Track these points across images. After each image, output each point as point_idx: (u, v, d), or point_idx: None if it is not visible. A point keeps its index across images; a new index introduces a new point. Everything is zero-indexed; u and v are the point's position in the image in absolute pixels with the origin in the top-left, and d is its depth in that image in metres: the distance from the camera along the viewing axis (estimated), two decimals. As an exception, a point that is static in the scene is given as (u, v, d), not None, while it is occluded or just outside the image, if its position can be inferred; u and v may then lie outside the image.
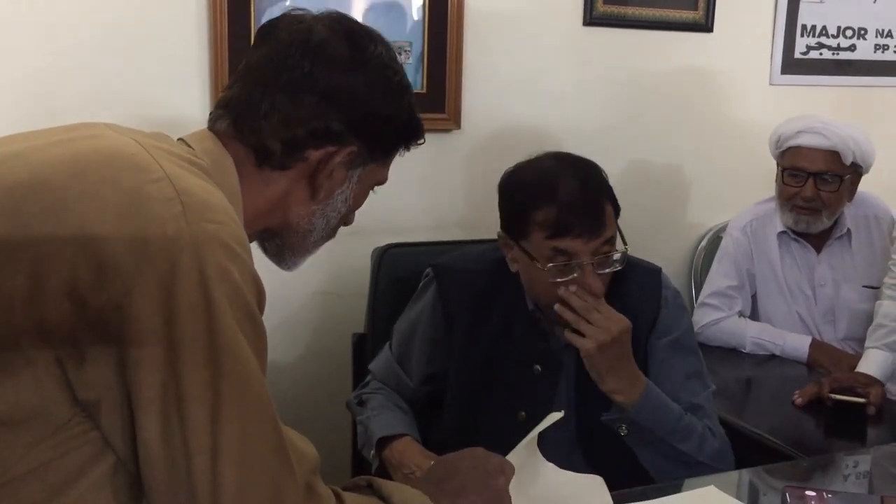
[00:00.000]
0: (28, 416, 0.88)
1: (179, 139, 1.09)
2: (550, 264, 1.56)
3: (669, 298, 1.70)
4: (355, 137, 1.12)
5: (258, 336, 0.94)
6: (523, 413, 1.63)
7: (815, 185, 2.31)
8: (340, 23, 1.14)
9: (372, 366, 1.85)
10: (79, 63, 2.07)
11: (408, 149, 1.21)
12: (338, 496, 1.03)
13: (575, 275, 1.55)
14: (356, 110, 1.11)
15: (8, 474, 0.89)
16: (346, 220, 1.21)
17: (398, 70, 1.16)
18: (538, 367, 1.67)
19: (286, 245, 1.17)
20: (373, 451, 1.66)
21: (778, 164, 2.41)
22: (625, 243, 1.62)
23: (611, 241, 1.58)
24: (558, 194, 1.56)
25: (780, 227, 2.43)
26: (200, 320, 0.88)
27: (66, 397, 0.89)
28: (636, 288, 1.68)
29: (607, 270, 1.59)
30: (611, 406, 1.59)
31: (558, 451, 1.49)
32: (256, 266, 0.98)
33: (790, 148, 2.34)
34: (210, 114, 1.14)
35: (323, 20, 1.13)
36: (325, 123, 1.09)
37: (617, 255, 1.59)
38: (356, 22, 1.17)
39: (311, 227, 1.16)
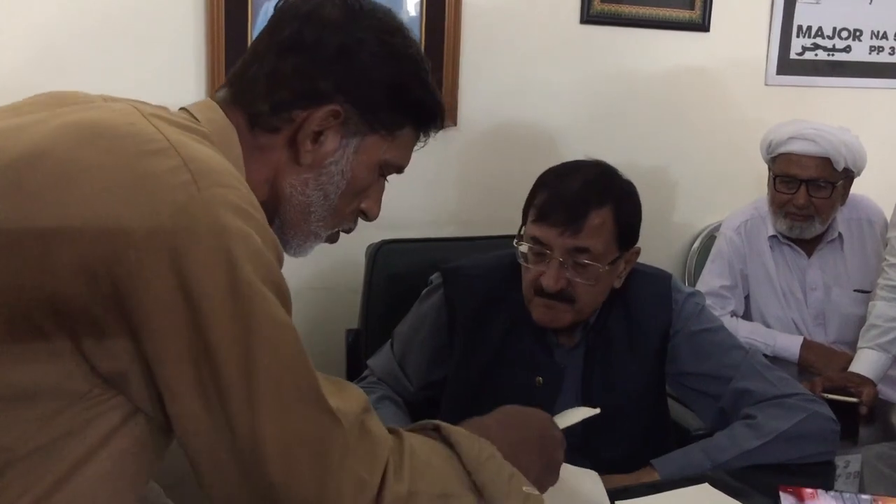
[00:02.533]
0: (47, 390, 0.88)
1: (182, 108, 1.08)
2: (523, 245, 1.59)
3: (681, 301, 1.68)
4: (345, 99, 1.08)
5: (283, 294, 0.93)
6: None
7: (808, 191, 2.30)
8: None
9: (371, 362, 1.84)
10: (74, 58, 2.06)
11: (424, 132, 1.16)
12: (397, 435, 1.01)
13: (545, 268, 1.57)
14: (343, 69, 1.07)
15: (29, 445, 0.89)
16: (368, 211, 1.17)
17: (403, 38, 1.12)
18: (540, 378, 1.66)
19: (286, 223, 1.12)
20: None
21: (770, 170, 2.41)
22: (612, 264, 1.59)
23: (587, 253, 1.56)
24: (560, 183, 1.59)
25: (771, 231, 2.43)
26: (222, 283, 0.86)
27: (84, 370, 0.88)
28: (644, 295, 1.67)
29: (580, 280, 1.57)
30: (615, 417, 1.60)
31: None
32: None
33: (781, 154, 2.33)
34: (216, 90, 1.14)
35: None
36: (311, 83, 1.07)
37: (592, 269, 1.56)
38: None
39: (306, 198, 1.10)
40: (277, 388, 0.89)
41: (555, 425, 1.24)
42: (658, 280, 1.71)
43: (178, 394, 0.88)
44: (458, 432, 1.07)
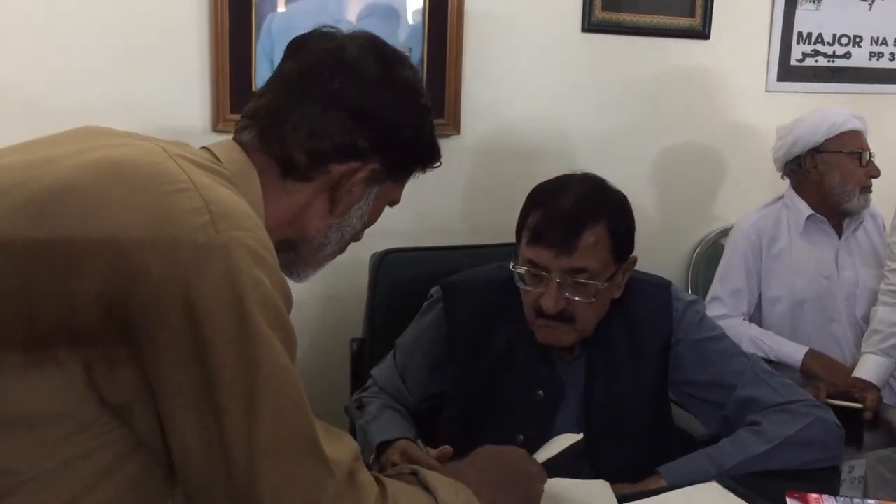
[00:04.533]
0: (56, 415, 0.90)
1: (204, 147, 1.10)
2: (520, 268, 1.58)
3: (681, 310, 1.68)
4: (378, 155, 1.13)
5: (290, 341, 0.96)
6: (521, 437, 1.60)
7: None
8: (372, 43, 1.17)
9: (374, 371, 1.84)
10: (80, 70, 2.08)
11: (424, 171, 1.23)
12: (381, 484, 1.04)
13: (543, 290, 1.56)
14: (382, 129, 1.13)
15: (35, 470, 0.90)
16: (357, 236, 1.23)
17: (423, 93, 1.19)
18: (541, 392, 1.65)
19: (300, 257, 1.18)
20: (372, 456, 1.66)
21: (819, 152, 2.42)
22: (610, 280, 1.59)
23: (584, 272, 1.55)
24: (551, 203, 1.57)
25: (807, 213, 2.45)
26: (232, 325, 0.89)
27: (93, 398, 0.90)
28: (644, 304, 1.67)
29: (579, 299, 1.56)
30: (620, 425, 1.62)
31: (568, 468, 1.50)
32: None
33: (849, 131, 2.40)
34: (237, 123, 1.16)
35: (355, 39, 1.16)
36: (352, 139, 1.11)
37: (590, 287, 1.56)
38: (386, 44, 1.20)
39: (326, 240, 1.17)
40: (276, 433, 0.92)
41: (532, 461, 1.27)
42: (658, 289, 1.71)
43: (179, 431, 0.91)
44: (435, 477, 1.11)
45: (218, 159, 1.07)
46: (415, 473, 1.12)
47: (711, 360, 1.66)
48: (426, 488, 1.09)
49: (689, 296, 1.76)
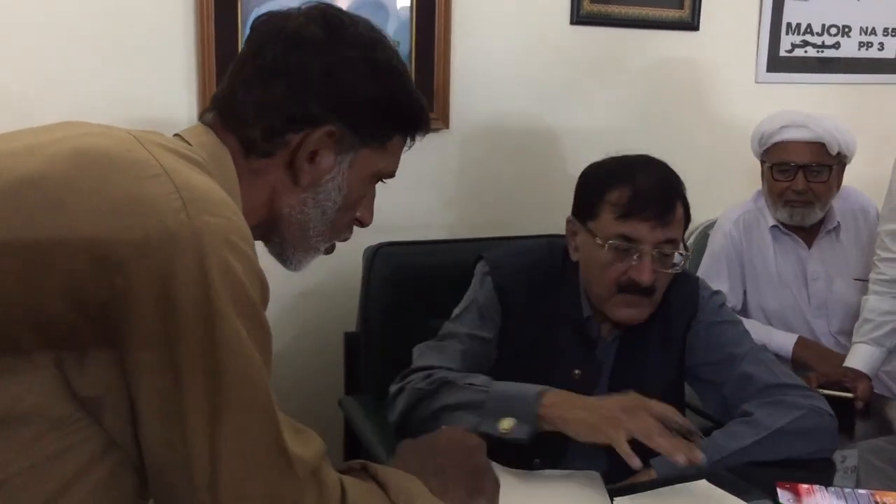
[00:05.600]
0: (27, 414, 0.88)
1: (175, 135, 1.09)
2: (610, 241, 1.59)
3: (706, 297, 1.74)
4: (337, 119, 1.09)
5: (261, 332, 0.94)
6: None
7: (805, 177, 2.33)
8: (321, 11, 1.13)
9: (425, 362, 1.66)
10: (66, 66, 2.07)
11: (411, 137, 1.18)
12: (341, 484, 1.03)
13: (633, 263, 1.58)
14: (333, 91, 1.09)
15: (8, 471, 0.89)
16: (362, 220, 1.19)
17: (386, 51, 1.14)
18: (578, 371, 1.67)
19: (286, 240, 1.15)
20: (514, 423, 1.47)
21: (763, 162, 2.42)
22: (686, 250, 1.64)
23: (674, 243, 1.61)
24: (636, 179, 1.62)
25: (771, 222, 2.44)
26: (201, 317, 0.87)
27: (66, 395, 0.89)
28: (675, 292, 1.70)
29: (667, 270, 1.61)
30: None
31: (586, 458, 1.50)
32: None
33: (776, 144, 2.35)
34: (202, 112, 1.15)
35: (304, 11, 1.13)
36: (302, 106, 1.08)
37: (678, 258, 1.62)
38: (339, 9, 1.16)
39: (305, 216, 1.13)
40: (239, 430, 0.91)
41: (466, 435, 1.28)
42: (687, 278, 1.76)
43: (145, 425, 0.90)
44: (384, 470, 1.11)
45: (189, 144, 1.05)
46: (364, 468, 1.11)
47: (719, 342, 1.70)
48: (377, 482, 1.09)
49: (712, 287, 1.81)
